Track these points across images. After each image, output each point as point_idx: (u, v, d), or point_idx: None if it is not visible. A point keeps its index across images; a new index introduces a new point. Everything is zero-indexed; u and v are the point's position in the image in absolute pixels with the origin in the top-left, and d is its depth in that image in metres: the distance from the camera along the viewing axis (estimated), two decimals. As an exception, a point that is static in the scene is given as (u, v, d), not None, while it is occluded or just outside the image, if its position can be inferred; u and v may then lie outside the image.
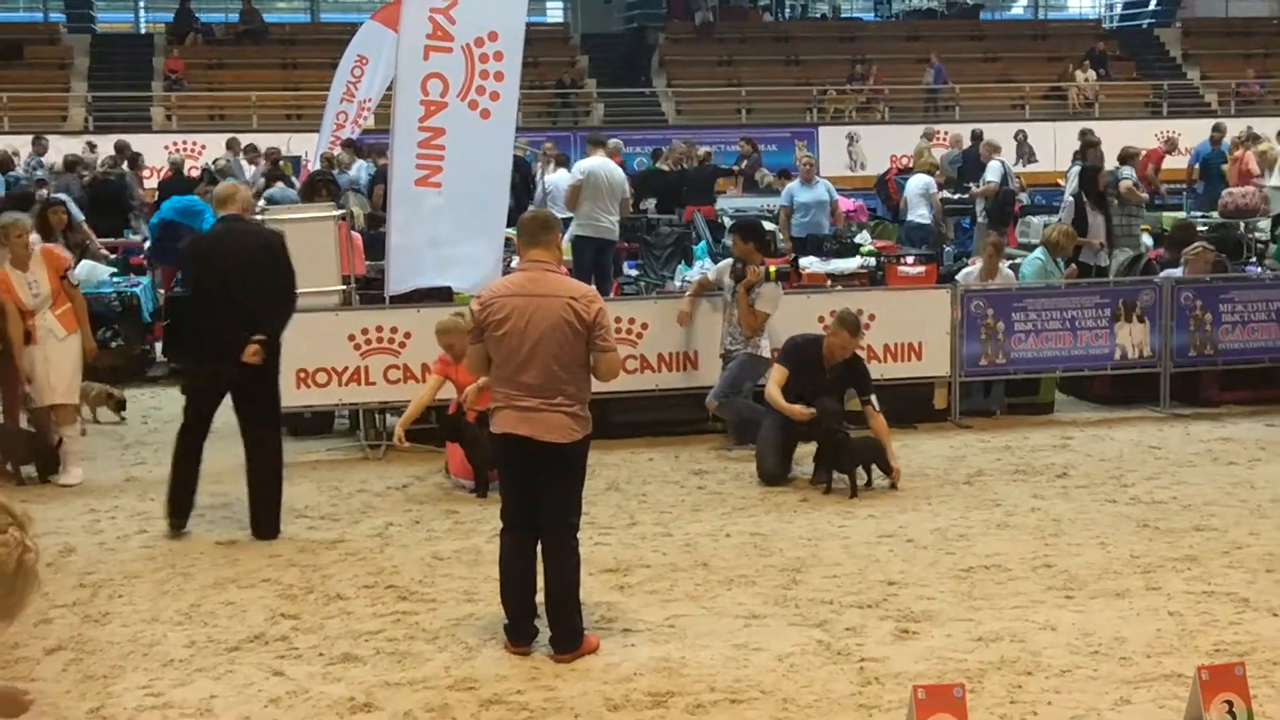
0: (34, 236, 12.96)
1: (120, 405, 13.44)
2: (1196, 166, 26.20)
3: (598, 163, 17.07)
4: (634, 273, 17.73)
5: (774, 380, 11.04)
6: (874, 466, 10.69)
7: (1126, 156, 18.41)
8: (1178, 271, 14.08)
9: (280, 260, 9.75)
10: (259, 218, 12.55)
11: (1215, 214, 21.30)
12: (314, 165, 21.58)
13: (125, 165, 23.93)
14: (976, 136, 25.18)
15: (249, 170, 23.85)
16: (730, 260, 12.45)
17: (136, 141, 30.15)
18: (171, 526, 9.74)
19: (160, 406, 13.99)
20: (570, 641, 7.32)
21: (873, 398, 10.91)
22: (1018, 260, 15.50)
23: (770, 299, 11.98)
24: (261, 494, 9.73)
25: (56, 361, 11.30)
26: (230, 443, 12.55)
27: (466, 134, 12.28)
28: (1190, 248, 14.44)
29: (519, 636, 7.41)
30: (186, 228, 17.13)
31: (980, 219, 21.50)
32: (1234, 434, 12.51)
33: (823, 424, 10.61)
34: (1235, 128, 27.68)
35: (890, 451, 10.73)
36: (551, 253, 7.54)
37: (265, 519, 9.68)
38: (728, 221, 19.42)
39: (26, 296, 11.20)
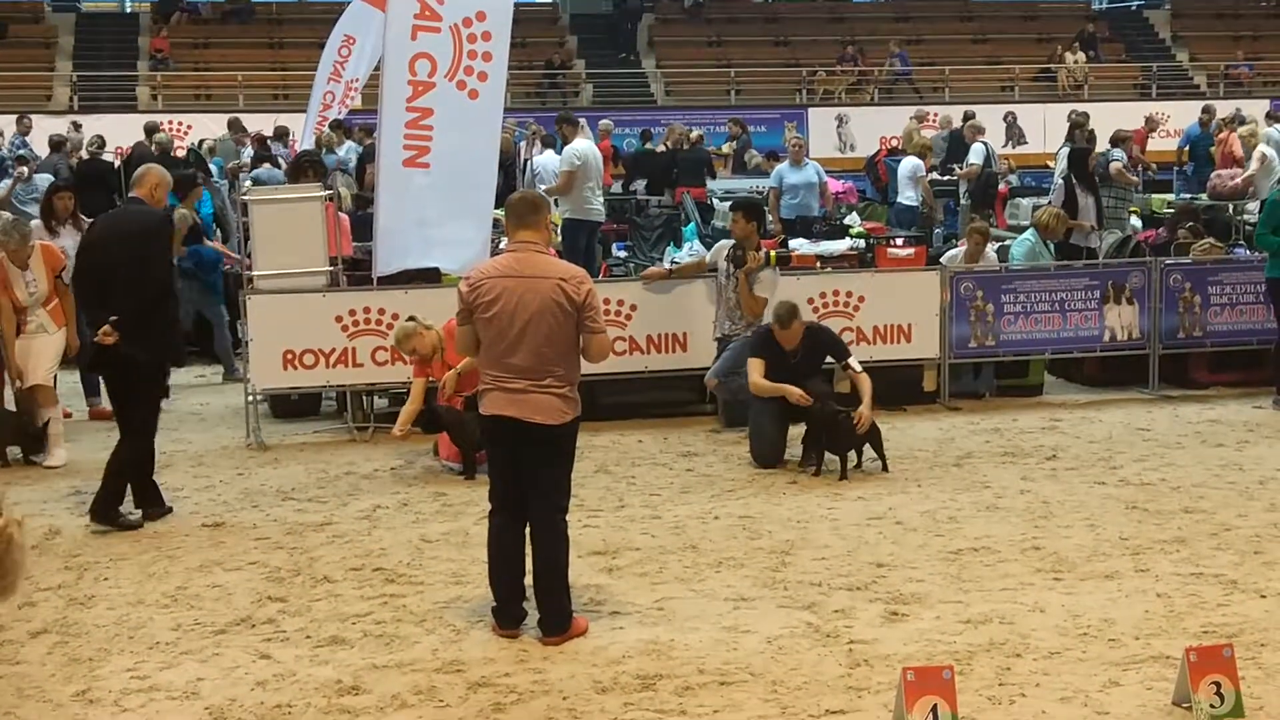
0: (35, 223, 12.90)
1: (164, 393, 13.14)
2: (1186, 148, 26.19)
3: (587, 146, 17.15)
4: (623, 254, 17.68)
5: (757, 372, 10.94)
6: (865, 448, 10.67)
7: (1118, 139, 18.36)
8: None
9: (149, 244, 9.49)
10: (245, 199, 12.53)
11: (1204, 196, 21.28)
12: (301, 145, 21.50)
13: (153, 148, 23.80)
14: (969, 118, 25.14)
15: (246, 153, 23.74)
16: (728, 242, 12.39)
17: (122, 121, 30.08)
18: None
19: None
20: (559, 624, 7.30)
21: (850, 360, 10.96)
22: (1007, 241, 15.48)
23: (769, 284, 11.97)
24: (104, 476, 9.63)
25: (41, 349, 11.35)
26: (211, 423, 12.58)
27: (454, 114, 12.22)
28: (1199, 244, 14.44)
29: (507, 619, 7.39)
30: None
31: (964, 201, 21.49)
32: (1222, 416, 12.51)
33: (818, 405, 10.57)
34: (1224, 110, 27.71)
35: (867, 398, 10.67)
36: (540, 234, 7.50)
37: (96, 500, 9.58)
38: (717, 203, 19.39)
39: (23, 294, 11.27)
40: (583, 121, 19.07)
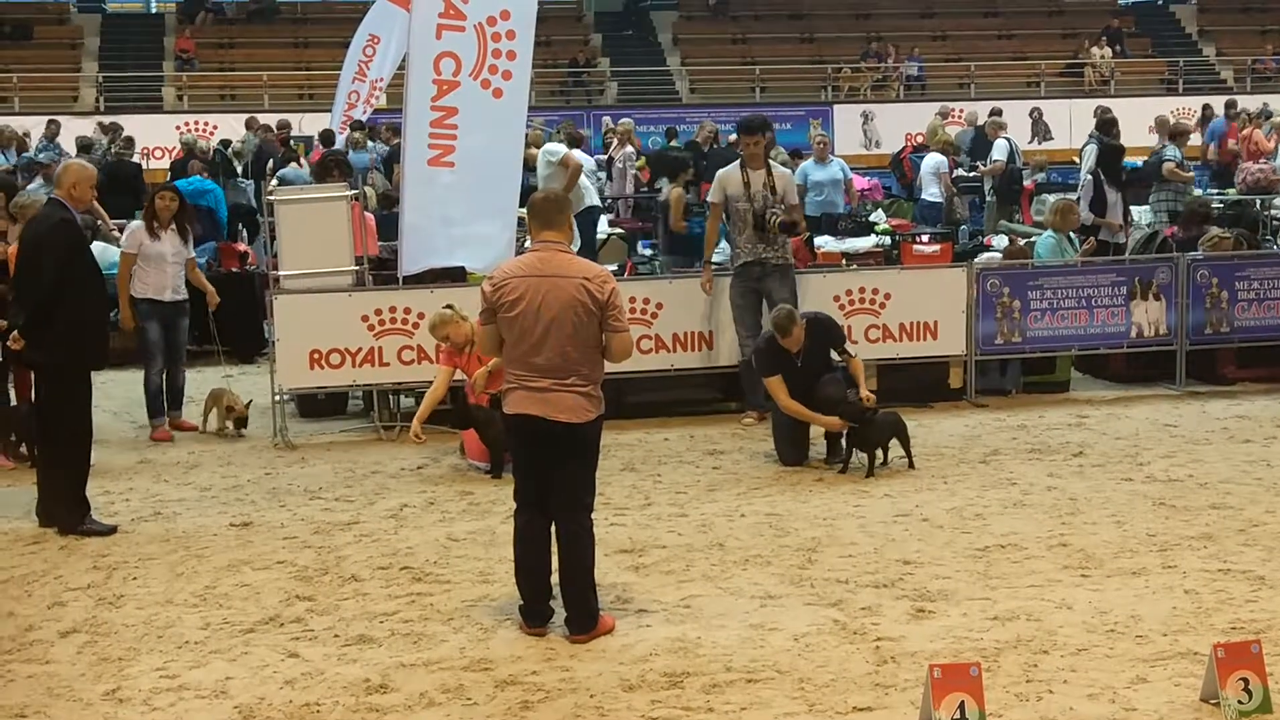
0: (135, 223, 12.69)
1: (240, 422, 12.26)
2: (1213, 145, 26.10)
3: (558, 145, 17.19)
4: (648, 252, 17.68)
5: (781, 392, 10.77)
6: (892, 445, 10.66)
7: (1175, 133, 18.03)
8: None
9: (37, 247, 9.45)
10: (271, 198, 12.57)
11: (1232, 191, 21.20)
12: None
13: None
14: (995, 114, 25.08)
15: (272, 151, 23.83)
16: (727, 171, 12.32)
17: (147, 122, 30.16)
18: None
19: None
20: (586, 622, 7.31)
21: (846, 345, 10.99)
22: (1033, 239, 15.43)
23: (794, 187, 12.37)
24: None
25: None
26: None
27: (479, 113, 12.25)
28: (1207, 237, 14.39)
29: (534, 618, 7.40)
30: (201, 209, 17.14)
31: (989, 197, 21.43)
32: (1250, 412, 12.46)
33: (845, 405, 10.55)
34: (1251, 104, 27.59)
35: (863, 382, 10.75)
36: (564, 233, 7.51)
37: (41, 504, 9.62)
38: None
39: None
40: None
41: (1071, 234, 14.15)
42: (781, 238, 12.06)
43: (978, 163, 23.05)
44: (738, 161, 12.35)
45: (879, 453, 10.59)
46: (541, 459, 7.37)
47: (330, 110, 23.56)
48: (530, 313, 7.24)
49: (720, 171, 12.55)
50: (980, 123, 25.65)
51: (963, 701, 5.91)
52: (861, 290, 12.72)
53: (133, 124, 28.09)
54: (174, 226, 12.31)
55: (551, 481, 7.37)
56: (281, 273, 12.14)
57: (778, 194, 12.05)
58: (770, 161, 12.46)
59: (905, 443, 10.68)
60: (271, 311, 12.00)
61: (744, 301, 12.08)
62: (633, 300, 12.07)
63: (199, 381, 13.12)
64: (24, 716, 6.47)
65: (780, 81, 39.19)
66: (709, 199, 12.56)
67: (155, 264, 12.16)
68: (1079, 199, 16.08)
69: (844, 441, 10.75)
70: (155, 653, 7.21)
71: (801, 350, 10.84)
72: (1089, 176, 16.38)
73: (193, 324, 12.85)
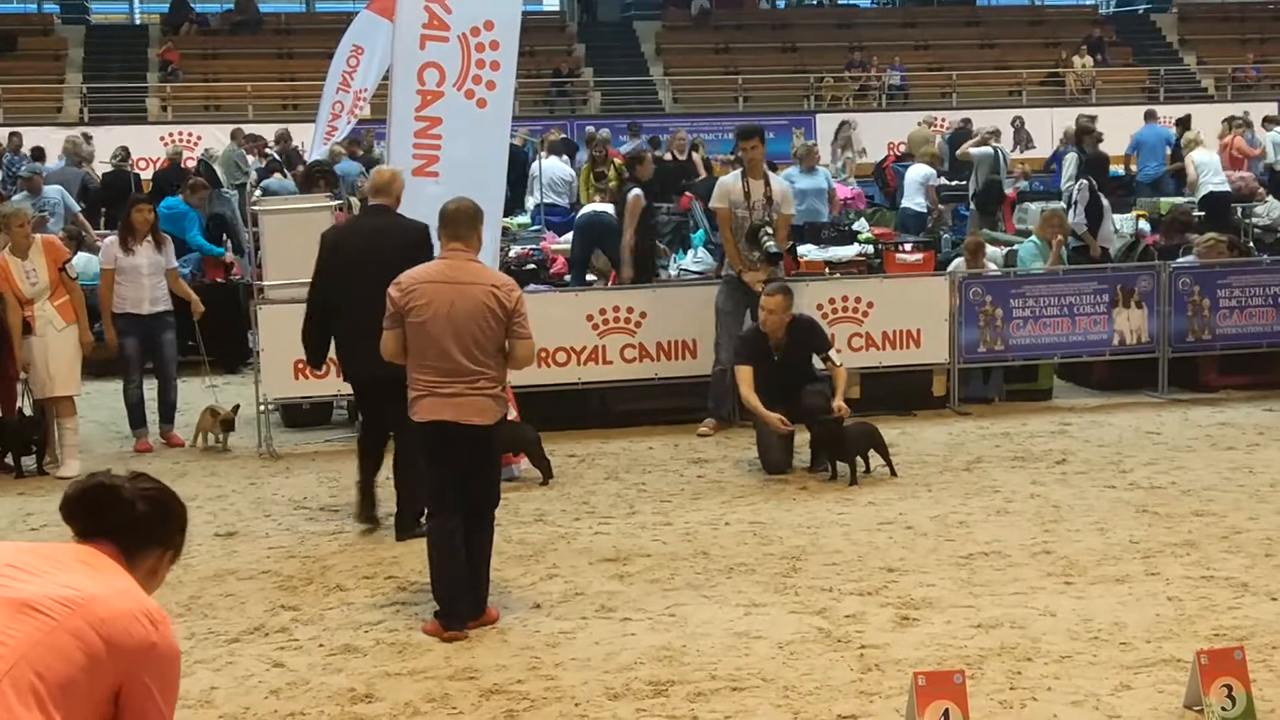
0: (110, 238, 12.62)
1: (227, 425, 12.18)
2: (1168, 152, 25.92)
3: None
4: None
5: (745, 383, 10.88)
6: (872, 453, 10.69)
7: None
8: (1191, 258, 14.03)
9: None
10: (255, 209, 12.58)
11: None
12: (311, 155, 21.58)
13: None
14: (966, 124, 25.10)
15: (253, 160, 23.78)
16: (729, 179, 12.50)
17: (132, 133, 30.09)
18: None
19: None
20: (477, 609, 7.58)
21: (830, 353, 11.01)
22: (1015, 246, 15.48)
23: (791, 198, 12.62)
24: None
25: (55, 353, 11.32)
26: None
27: (463, 124, 12.23)
28: (1203, 238, 14.43)
29: (456, 619, 7.48)
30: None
31: (971, 205, 21.45)
32: (1232, 419, 12.50)
33: (821, 417, 10.58)
34: (1232, 113, 27.62)
35: (840, 391, 10.75)
36: (471, 245, 7.70)
37: None
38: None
39: (24, 285, 11.21)
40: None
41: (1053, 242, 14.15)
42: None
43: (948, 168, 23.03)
44: (739, 170, 12.48)
45: (859, 461, 10.61)
46: (456, 462, 7.54)
47: (314, 121, 23.50)
48: (439, 318, 7.44)
49: (722, 179, 12.85)
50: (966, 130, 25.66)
51: (947, 709, 5.93)
52: (845, 299, 12.76)
53: (116, 135, 28.03)
54: (150, 239, 12.21)
55: (466, 483, 7.56)
56: (266, 283, 12.13)
57: (774, 204, 12.18)
58: (769, 173, 12.57)
59: (883, 452, 10.69)
60: (256, 322, 11.99)
61: (732, 308, 12.12)
62: (616, 310, 12.09)
63: (183, 391, 13.10)
64: (9, 727, 6.45)
65: (763, 91, 39.27)
66: (713, 204, 12.63)
67: (131, 277, 12.09)
68: (1075, 203, 16.03)
69: (810, 448, 10.81)
70: (140, 663, 7.19)
71: (781, 346, 10.90)
72: (1084, 182, 16.37)
73: (180, 334, 12.82)
